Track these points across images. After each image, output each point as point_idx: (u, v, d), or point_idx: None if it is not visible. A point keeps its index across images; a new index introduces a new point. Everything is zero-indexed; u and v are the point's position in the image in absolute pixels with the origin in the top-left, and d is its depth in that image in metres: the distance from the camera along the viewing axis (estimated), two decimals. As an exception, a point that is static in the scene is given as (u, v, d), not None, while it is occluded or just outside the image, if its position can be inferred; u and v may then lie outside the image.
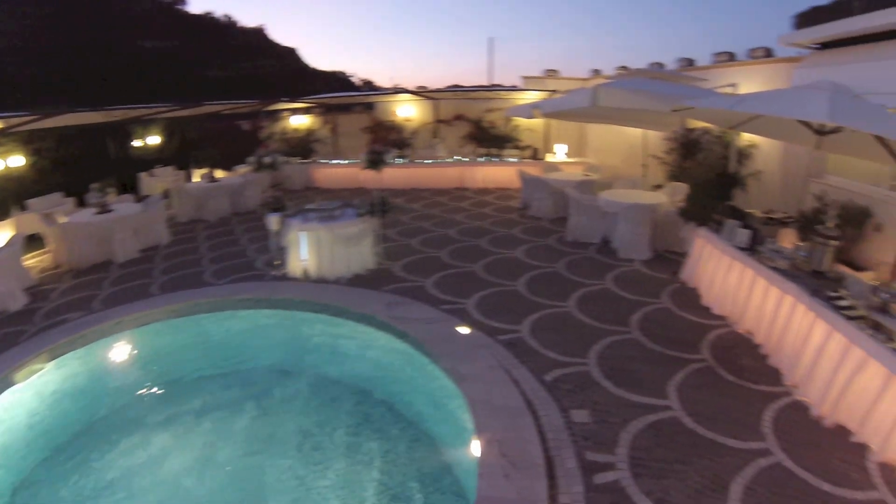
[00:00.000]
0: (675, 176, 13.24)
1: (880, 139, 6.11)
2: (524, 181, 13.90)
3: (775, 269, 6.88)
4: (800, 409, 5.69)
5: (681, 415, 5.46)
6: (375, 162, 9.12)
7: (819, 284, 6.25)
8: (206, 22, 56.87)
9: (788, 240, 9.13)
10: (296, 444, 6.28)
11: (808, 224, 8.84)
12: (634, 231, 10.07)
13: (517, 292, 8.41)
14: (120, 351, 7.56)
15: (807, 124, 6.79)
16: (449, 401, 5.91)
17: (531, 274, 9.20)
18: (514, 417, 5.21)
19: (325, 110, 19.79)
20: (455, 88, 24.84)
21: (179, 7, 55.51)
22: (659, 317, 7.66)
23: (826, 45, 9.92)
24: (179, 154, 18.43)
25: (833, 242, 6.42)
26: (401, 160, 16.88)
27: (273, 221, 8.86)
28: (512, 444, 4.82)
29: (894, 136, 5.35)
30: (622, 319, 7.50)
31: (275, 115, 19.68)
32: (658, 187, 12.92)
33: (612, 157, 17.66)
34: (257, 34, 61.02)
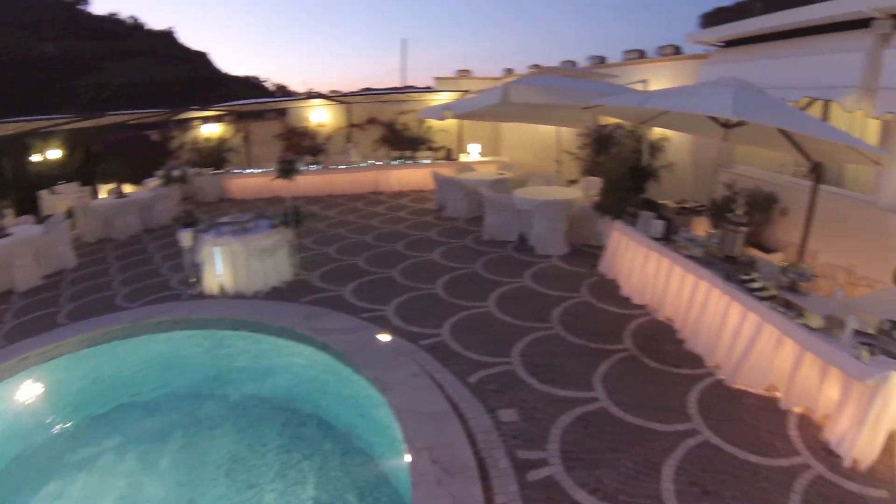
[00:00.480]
0: (589, 171, 13.42)
1: (783, 131, 6.31)
2: (438, 182, 13.80)
3: (690, 256, 7.06)
4: (722, 387, 5.88)
5: (608, 405, 5.49)
6: (287, 171, 8.78)
7: (732, 269, 6.43)
8: (111, 24, 54.38)
9: (701, 228, 9.39)
10: (226, 471, 5.95)
11: (719, 212, 9.09)
12: (550, 227, 10.12)
13: (436, 295, 8.30)
14: (29, 389, 6.97)
15: (714, 118, 6.93)
16: (377, 410, 5.74)
17: (449, 276, 9.10)
18: (441, 423, 5.11)
19: (237, 118, 19.02)
20: (368, 91, 24.65)
21: (81, 7, 52.77)
22: (580, 310, 7.70)
23: (730, 43, 10.24)
24: (84, 169, 16.87)
25: (743, 228, 6.58)
26: (315, 167, 16.58)
27: (185, 237, 8.42)
28: (442, 450, 4.71)
29: (793, 128, 5.70)
30: (543, 316, 7.50)
31: (185, 125, 18.73)
32: (573, 182, 13.07)
33: (527, 155, 17.87)
34: (166, 37, 59.14)
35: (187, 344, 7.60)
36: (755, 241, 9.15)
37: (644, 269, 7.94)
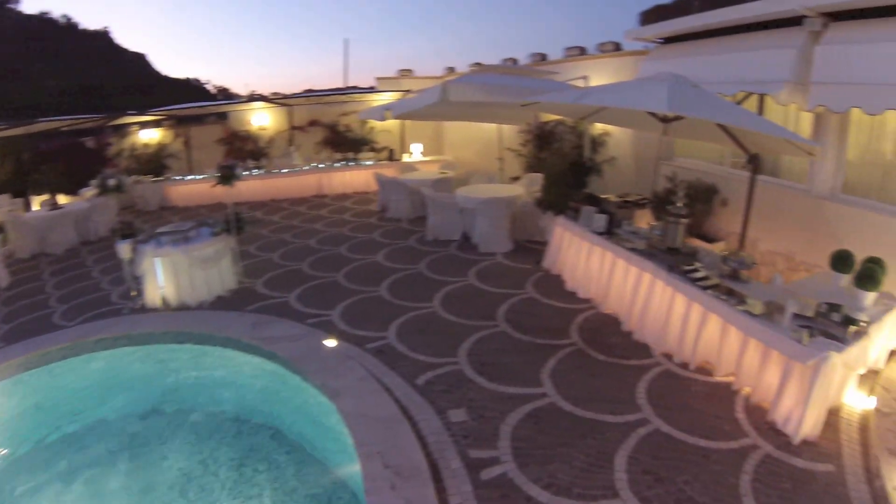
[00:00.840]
0: (531, 167, 13.50)
1: (721, 124, 6.43)
2: (381, 184, 13.77)
3: (633, 249, 7.15)
4: (670, 376, 6.01)
5: (557, 400, 5.52)
6: (227, 177, 8.58)
7: (674, 260, 6.58)
8: (42, 24, 51.98)
9: (644, 220, 9.52)
10: (179, 491, 5.74)
11: (660, 204, 9.22)
12: (493, 225, 10.16)
13: (381, 298, 8.24)
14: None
15: (652, 114, 7.06)
16: (328, 417, 5.62)
17: (394, 277, 9.05)
18: (391, 426, 5.06)
19: (177, 123, 18.28)
20: (309, 93, 24.36)
21: (11, 6, 50.33)
22: (525, 307, 7.74)
23: (668, 40, 10.39)
24: (14, 180, 15.22)
25: (683, 220, 6.77)
26: (258, 171, 16.24)
27: (124, 249, 8.09)
28: (393, 454, 4.67)
29: (727, 122, 5.85)
30: (489, 314, 7.51)
31: (122, 130, 17.91)
32: (515, 179, 13.15)
33: (469, 153, 17.96)
34: (102, 38, 57.19)
35: (131, 361, 7.31)
36: (698, 232, 9.37)
37: (588, 263, 8.02)
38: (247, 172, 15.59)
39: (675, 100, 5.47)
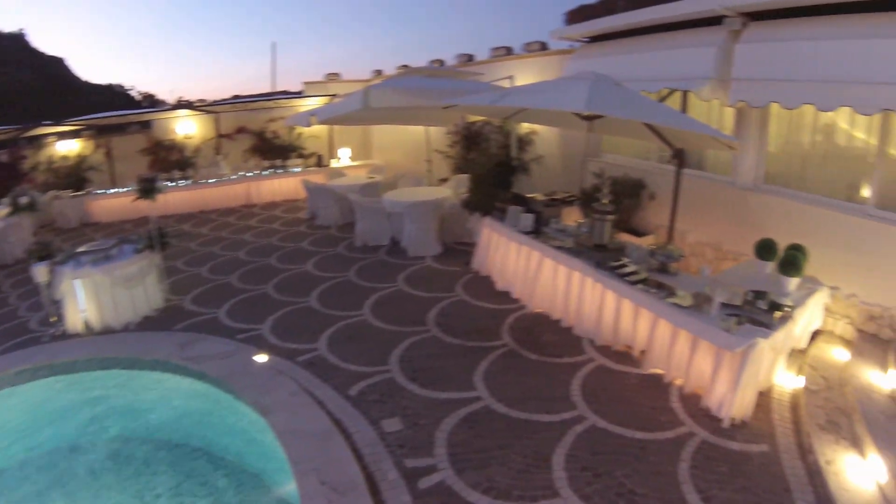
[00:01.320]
0: (459, 168, 13.50)
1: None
2: (309, 190, 13.49)
3: (560, 247, 7.20)
4: (604, 371, 6.08)
5: (492, 402, 5.51)
6: (148, 190, 8.13)
7: (602, 256, 6.65)
8: None
9: (573, 218, 9.60)
10: None
11: (588, 201, 9.33)
12: (421, 228, 10.11)
13: (311, 308, 8.07)
14: None
15: (576, 112, 7.12)
16: (263, 435, 5.46)
17: (323, 286, 8.89)
18: (325, 441, 4.97)
19: (97, 133, 17.00)
20: (236, 99, 23.87)
21: None
22: (455, 310, 7.73)
23: (594, 39, 10.49)
24: None
25: (610, 216, 6.84)
26: (184, 182, 15.64)
27: (40, 272, 7.53)
28: (329, 470, 4.57)
29: (646, 119, 5.99)
30: (419, 319, 7.47)
31: (38, 142, 16.46)
32: (444, 181, 13.17)
33: (398, 156, 17.87)
34: (16, 40, 54.58)
35: (55, 391, 6.87)
36: (627, 226, 9.49)
37: (517, 263, 8.05)
38: (173, 183, 15.13)
39: (595, 99, 5.49)
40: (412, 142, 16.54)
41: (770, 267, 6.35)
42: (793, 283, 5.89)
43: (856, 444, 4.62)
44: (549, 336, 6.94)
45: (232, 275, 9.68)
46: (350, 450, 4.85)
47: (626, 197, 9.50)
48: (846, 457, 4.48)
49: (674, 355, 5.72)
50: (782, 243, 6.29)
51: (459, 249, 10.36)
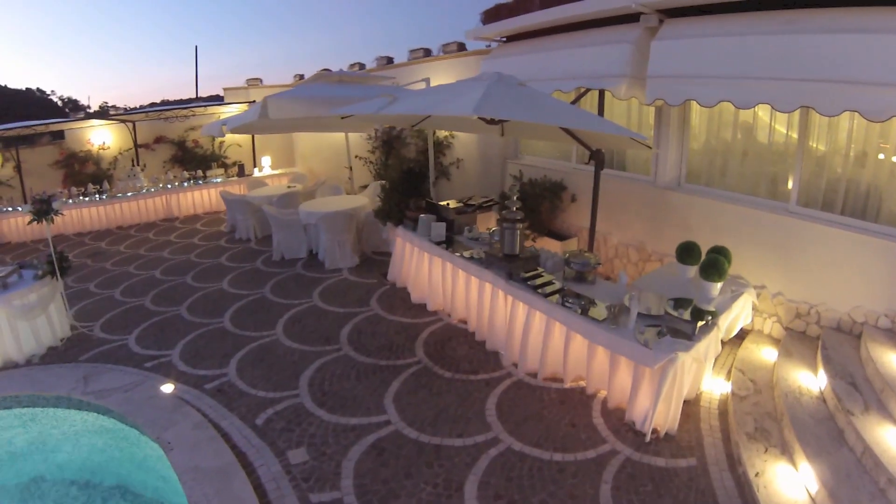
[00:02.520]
0: (379, 174, 13.35)
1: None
2: (227, 202, 13.00)
3: (471, 258, 7.03)
4: (521, 387, 5.95)
5: (401, 427, 5.36)
6: (42, 212, 7.51)
7: (514, 267, 6.40)
8: None
9: (488, 224, 9.44)
10: None
11: (506, 205, 9.29)
12: (337, 239, 9.91)
13: (224, 330, 7.74)
14: None
15: (482, 117, 6.93)
16: (170, 471, 5.11)
17: (238, 305, 8.58)
18: (226, 478, 4.74)
19: (4, 144, 15.59)
20: (161, 105, 23.13)
21: None
22: (369, 326, 7.59)
23: (510, 38, 10.32)
24: None
25: (520, 224, 6.50)
26: (100, 196, 14.69)
27: None
28: (229, 509, 4.40)
29: (545, 121, 5.81)
30: (332, 336, 7.31)
31: None
32: (365, 188, 13.02)
33: (319, 163, 17.58)
34: None
35: None
36: (549, 230, 9.45)
37: (431, 274, 7.92)
38: (87, 199, 14.46)
39: (487, 103, 5.10)
40: (333, 148, 16.35)
41: (692, 271, 6.31)
42: (716, 288, 5.81)
43: (785, 451, 4.53)
44: (464, 350, 6.82)
45: (145, 296, 9.27)
46: (252, 487, 4.65)
47: (546, 200, 9.41)
48: (776, 466, 4.36)
49: (592, 369, 5.60)
50: (706, 243, 6.31)
51: (377, 259, 10.24)
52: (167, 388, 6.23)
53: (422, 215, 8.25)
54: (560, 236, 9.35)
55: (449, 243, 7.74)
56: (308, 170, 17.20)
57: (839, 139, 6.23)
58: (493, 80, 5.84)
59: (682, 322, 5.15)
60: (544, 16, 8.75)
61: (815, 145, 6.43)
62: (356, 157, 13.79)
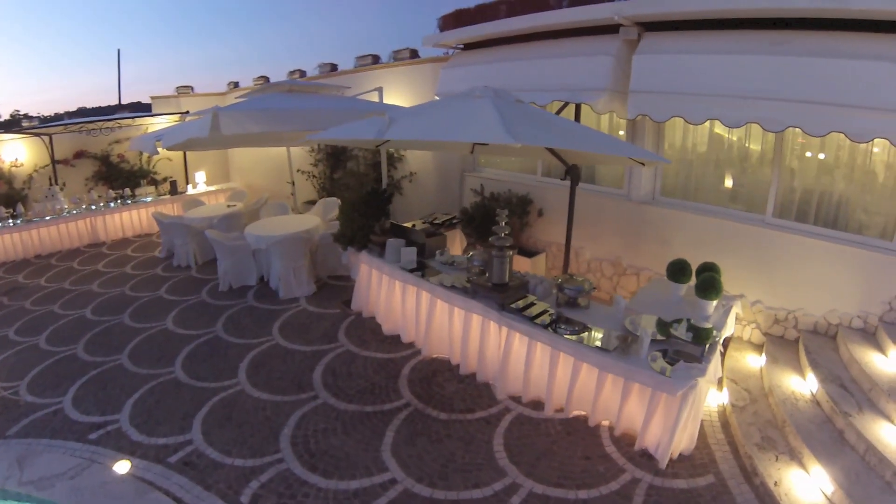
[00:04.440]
0: (325, 189, 12.51)
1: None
2: (161, 225, 11.52)
3: (452, 288, 6.38)
4: (523, 422, 5.47)
5: (410, 484, 4.68)
6: None
7: (504, 297, 5.84)
8: None
9: (457, 243, 8.86)
10: None
11: (471, 221, 8.66)
12: (290, 266, 8.90)
13: (177, 381, 6.57)
14: None
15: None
16: None
17: (189, 348, 7.38)
18: None
19: None
20: (73, 117, 21.07)
21: None
22: (343, 365, 6.72)
23: (469, 46, 9.73)
24: None
25: (510, 252, 5.94)
26: (14, 221, 12.63)
27: None
28: None
29: (581, 148, 5.29)
30: (304, 381, 6.39)
31: None
32: (310, 204, 12.08)
33: (258, 178, 16.37)
34: None
35: None
36: (517, 246, 8.88)
37: (404, 304, 7.17)
38: (0, 224, 12.50)
39: (515, 127, 4.60)
40: (272, 161, 15.22)
41: (684, 289, 6.02)
42: (712, 305, 5.56)
43: (794, 457, 4.60)
44: (452, 386, 6.16)
45: (77, 343, 7.82)
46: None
47: (514, 215, 8.90)
48: (790, 473, 4.43)
49: (601, 399, 5.19)
50: (683, 255, 6.18)
51: (335, 286, 9.32)
52: (122, 466, 5.10)
53: (389, 240, 7.46)
54: (528, 252, 8.83)
55: (420, 269, 7.04)
56: (246, 185, 16.04)
57: (812, 155, 6.59)
58: (494, 98, 5.30)
59: (688, 345, 4.84)
60: (513, 23, 8.26)
61: (789, 160, 6.69)
62: (298, 170, 12.73)
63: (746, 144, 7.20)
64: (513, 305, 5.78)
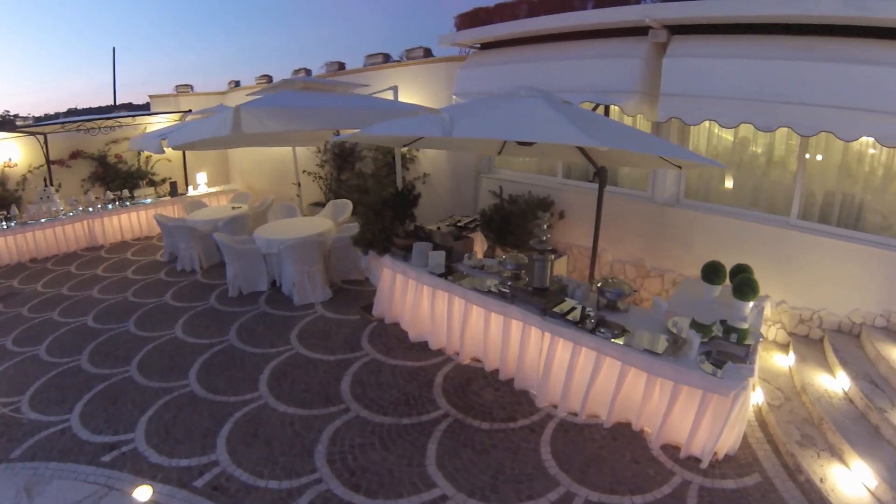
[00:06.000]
0: (332, 191, 11.96)
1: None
2: (164, 228, 10.88)
3: (489, 293, 5.97)
4: (568, 429, 5.18)
5: (462, 500, 4.32)
6: None
7: (545, 302, 5.47)
8: None
9: (479, 247, 8.43)
10: None
11: (490, 224, 8.20)
12: (304, 271, 8.29)
13: (193, 395, 5.96)
14: None
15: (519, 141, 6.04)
16: None
17: (201, 359, 6.76)
18: None
19: None
20: (66, 116, 20.19)
21: None
22: (371, 375, 6.20)
23: (486, 46, 9.31)
24: None
25: (552, 255, 5.60)
26: (8, 224, 11.83)
27: None
28: None
29: (641, 150, 4.90)
30: (331, 393, 5.86)
31: None
32: (317, 206, 11.53)
33: (260, 179, 15.75)
34: None
35: None
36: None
37: (433, 310, 6.68)
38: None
39: (593, 130, 4.40)
40: (276, 161, 14.63)
41: (718, 290, 5.68)
42: (748, 307, 5.29)
43: (835, 454, 4.58)
44: (490, 394, 5.74)
45: (80, 354, 7.15)
46: None
47: (535, 217, 8.39)
48: (832, 469, 4.40)
49: (648, 403, 4.96)
50: (707, 257, 5.97)
51: (350, 290, 8.76)
52: (143, 493, 4.51)
53: (416, 243, 6.96)
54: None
55: (448, 273, 6.58)
56: (247, 186, 15.43)
57: (834, 156, 6.40)
58: (546, 98, 5.02)
59: (732, 346, 4.72)
60: (537, 23, 7.92)
61: (814, 162, 6.55)
62: (303, 171, 12.14)
63: (766, 147, 7.11)
64: (555, 310, 5.45)
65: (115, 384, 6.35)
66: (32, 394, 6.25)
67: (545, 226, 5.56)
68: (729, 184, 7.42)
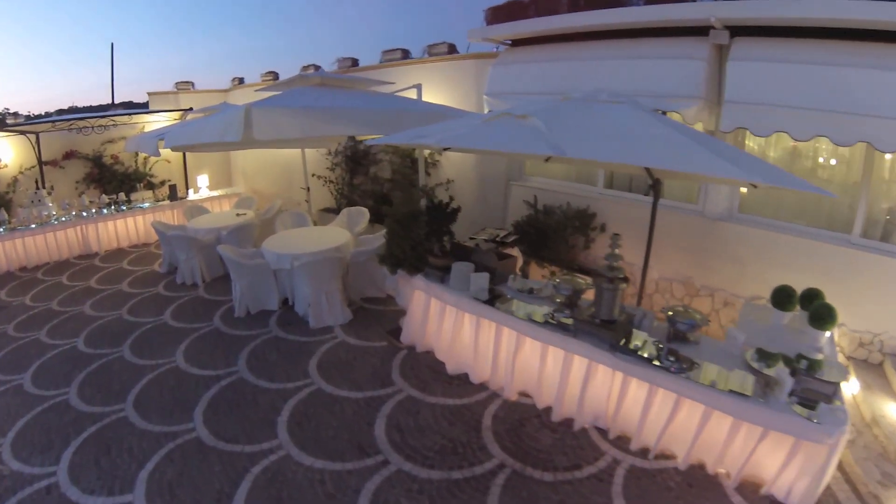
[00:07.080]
0: (344, 196, 11.09)
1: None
2: (163, 237, 9.90)
3: (546, 324, 5.13)
4: (639, 475, 4.50)
5: None
6: None
7: (613, 336, 4.73)
8: None
9: (517, 265, 7.50)
10: None
11: (525, 238, 7.33)
12: (321, 290, 7.32)
13: (200, 443, 5.02)
14: None
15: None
16: None
17: (208, 394, 5.83)
18: None
19: None
20: (62, 115, 19.20)
21: None
22: (408, 416, 5.32)
23: (517, 42, 8.58)
24: None
25: (623, 284, 4.82)
26: None
27: None
28: None
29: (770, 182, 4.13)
30: (365, 441, 4.97)
31: None
32: (327, 212, 10.68)
33: (265, 182, 14.83)
34: None
35: None
36: (572, 264, 7.79)
37: (476, 340, 5.78)
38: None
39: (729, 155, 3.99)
40: (282, 164, 13.77)
41: (788, 318, 5.21)
42: (825, 336, 4.91)
43: None
44: (548, 438, 4.97)
45: (69, 384, 6.20)
46: None
47: (576, 230, 7.74)
48: None
49: (731, 448, 4.37)
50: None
51: (371, 309, 7.84)
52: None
53: (455, 264, 6.04)
54: (586, 272, 7.48)
55: (493, 297, 5.71)
56: (251, 190, 14.51)
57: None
58: (642, 107, 4.68)
59: (818, 382, 4.14)
60: (582, 19, 7.34)
61: (879, 177, 6.07)
62: (313, 175, 11.23)
63: (830, 157, 6.59)
64: (627, 346, 4.73)
65: (108, 426, 5.39)
66: (15, 435, 5.32)
67: (616, 250, 4.78)
68: (787, 197, 6.79)
